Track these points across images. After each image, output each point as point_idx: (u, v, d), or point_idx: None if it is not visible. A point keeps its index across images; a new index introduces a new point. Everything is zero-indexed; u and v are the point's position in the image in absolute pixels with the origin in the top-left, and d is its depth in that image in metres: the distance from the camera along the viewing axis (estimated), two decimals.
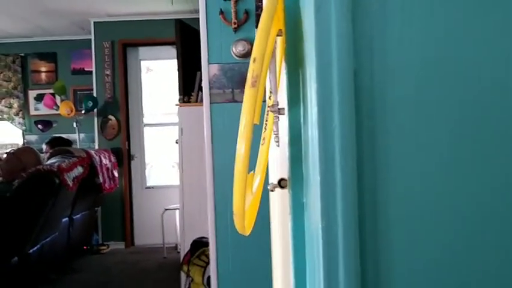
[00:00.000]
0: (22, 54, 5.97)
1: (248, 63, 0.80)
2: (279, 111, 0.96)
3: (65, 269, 4.43)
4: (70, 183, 3.59)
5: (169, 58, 5.37)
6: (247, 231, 0.89)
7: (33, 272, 3.72)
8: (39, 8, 4.80)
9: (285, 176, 1.04)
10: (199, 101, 3.42)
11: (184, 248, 3.26)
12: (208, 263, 3.09)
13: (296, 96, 0.90)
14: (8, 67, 5.95)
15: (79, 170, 3.86)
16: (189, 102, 3.56)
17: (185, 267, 3.16)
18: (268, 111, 1.15)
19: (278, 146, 1.18)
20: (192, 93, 3.58)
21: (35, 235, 3.57)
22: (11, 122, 6.01)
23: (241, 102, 0.79)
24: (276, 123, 1.10)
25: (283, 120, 1.00)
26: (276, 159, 1.31)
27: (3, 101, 5.98)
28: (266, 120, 1.16)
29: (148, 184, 5.66)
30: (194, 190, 3.33)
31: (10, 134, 6.07)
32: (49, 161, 3.86)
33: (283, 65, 0.99)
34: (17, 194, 3.43)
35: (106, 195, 4.94)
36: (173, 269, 4.43)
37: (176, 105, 3.60)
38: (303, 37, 0.80)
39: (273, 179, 1.33)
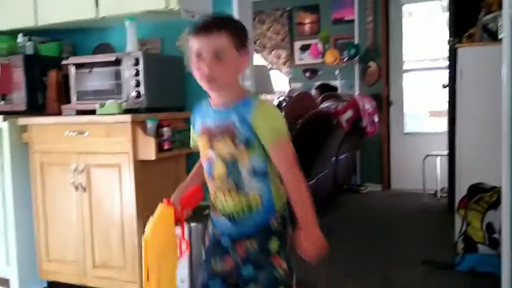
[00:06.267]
0: (289, 8, 6.50)
1: None
2: None
3: (331, 204, 4.87)
4: (344, 124, 3.88)
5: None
6: None
7: None
8: None
9: None
10: (481, 40, 3.23)
11: (460, 193, 3.23)
12: (487, 209, 3.02)
13: None
14: (277, 21, 6.58)
15: (350, 113, 4.13)
16: (460, 43, 3.38)
17: (461, 211, 3.14)
18: None
19: None
20: (469, 33, 3.38)
21: (313, 170, 4.01)
22: (280, 71, 6.71)
23: None
24: None
25: None
26: None
27: (273, 52, 6.69)
28: None
29: (406, 130, 5.69)
30: (472, 136, 3.23)
31: (278, 82, 6.78)
32: (324, 104, 4.22)
33: None
34: (300, 133, 3.88)
35: (365, 139, 5.16)
36: (437, 214, 4.45)
37: (452, 45, 3.46)
38: None
39: None
